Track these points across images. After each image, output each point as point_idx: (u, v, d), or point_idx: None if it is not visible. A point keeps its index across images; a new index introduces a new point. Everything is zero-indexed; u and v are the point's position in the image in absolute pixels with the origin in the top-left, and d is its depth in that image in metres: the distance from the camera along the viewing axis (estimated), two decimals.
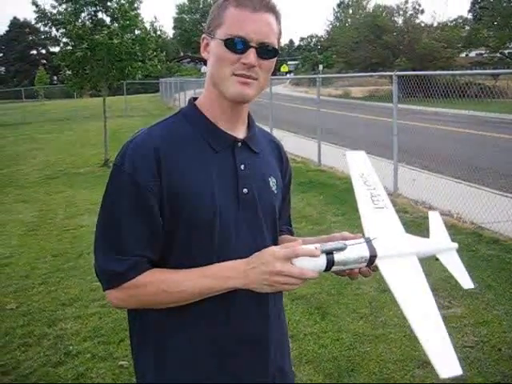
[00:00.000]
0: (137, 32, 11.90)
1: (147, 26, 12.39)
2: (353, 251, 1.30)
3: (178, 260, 1.33)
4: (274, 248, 1.28)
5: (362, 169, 1.56)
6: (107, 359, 3.77)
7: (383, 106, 12.61)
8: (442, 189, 7.65)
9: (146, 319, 1.38)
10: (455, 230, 6.11)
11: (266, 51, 1.33)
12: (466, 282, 1.59)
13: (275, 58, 1.37)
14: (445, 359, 1.19)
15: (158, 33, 12.62)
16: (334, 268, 1.30)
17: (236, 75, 1.32)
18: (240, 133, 1.43)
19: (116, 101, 29.26)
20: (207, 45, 1.38)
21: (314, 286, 4.70)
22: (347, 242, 1.30)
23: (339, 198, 8.09)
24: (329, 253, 1.27)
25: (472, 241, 5.89)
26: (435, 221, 1.67)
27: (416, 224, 6.09)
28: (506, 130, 13.36)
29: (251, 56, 1.30)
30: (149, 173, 1.29)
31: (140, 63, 11.89)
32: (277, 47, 1.36)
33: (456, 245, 1.60)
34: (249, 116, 1.47)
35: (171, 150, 1.32)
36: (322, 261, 1.26)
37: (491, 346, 3.77)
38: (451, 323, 4.06)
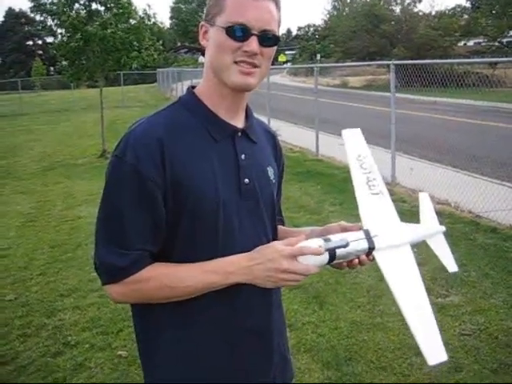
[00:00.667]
0: (131, 21, 11.82)
1: (141, 14, 12.30)
2: (354, 245, 1.33)
3: (181, 252, 1.32)
4: (279, 245, 1.28)
5: (358, 149, 1.57)
6: (106, 349, 3.78)
7: (381, 95, 12.60)
8: (440, 178, 7.65)
9: (150, 315, 1.37)
10: (453, 218, 6.12)
11: (267, 39, 1.31)
12: (451, 264, 1.64)
13: (276, 46, 1.36)
14: (432, 347, 1.27)
15: (153, 20, 12.52)
16: (335, 262, 1.32)
17: (237, 63, 1.30)
18: (239, 122, 1.41)
19: (113, 91, 29.14)
20: (206, 32, 1.36)
21: (312, 275, 4.70)
22: (348, 238, 1.32)
23: (337, 187, 8.09)
24: (332, 249, 1.29)
25: (469, 230, 5.90)
26: (425, 202, 1.70)
27: (413, 213, 6.04)
28: (503, 119, 13.34)
29: (253, 44, 1.29)
30: (152, 163, 1.26)
31: (136, 53, 11.82)
32: (277, 35, 1.35)
33: (443, 228, 1.65)
34: (247, 106, 1.46)
35: (173, 139, 1.31)
36: (324, 257, 1.28)
37: (488, 334, 3.79)
38: (449, 311, 4.09)
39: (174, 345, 1.36)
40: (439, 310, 4.04)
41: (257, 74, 1.33)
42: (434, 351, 1.27)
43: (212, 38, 1.34)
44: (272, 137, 1.58)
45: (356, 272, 4.68)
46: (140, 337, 1.44)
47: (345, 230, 1.39)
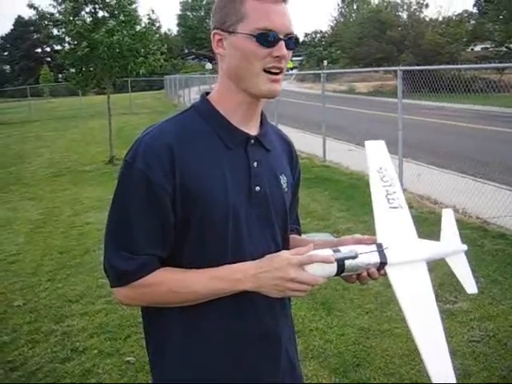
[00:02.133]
0: (137, 28, 11.88)
1: (145, 19, 12.36)
2: (363, 258, 1.31)
3: (190, 258, 1.33)
4: (287, 254, 1.28)
5: (379, 162, 1.55)
6: (114, 355, 3.79)
7: (388, 101, 12.59)
8: (448, 183, 7.63)
9: (160, 318, 1.38)
10: (461, 224, 6.06)
11: (291, 42, 1.33)
12: (471, 286, 1.60)
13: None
14: (440, 368, 1.25)
15: (157, 25, 12.57)
16: (344, 274, 1.32)
17: (267, 71, 1.31)
18: (253, 129, 1.41)
19: (121, 98, 29.27)
20: (220, 41, 1.34)
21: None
22: (359, 250, 1.31)
23: (344, 193, 8.08)
24: (340, 260, 1.28)
25: (478, 236, 5.88)
26: (448, 219, 1.66)
27: (422, 219, 6.08)
28: (508, 125, 13.30)
29: (283, 49, 1.30)
30: (162, 170, 1.27)
31: (142, 58, 11.87)
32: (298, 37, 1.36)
33: (465, 247, 1.60)
34: (262, 112, 1.45)
35: (184, 146, 1.31)
36: (333, 267, 1.27)
37: (497, 340, 3.76)
38: (457, 318, 4.07)
39: (181, 347, 1.37)
40: (448, 316, 4.02)
41: (281, 80, 1.34)
42: (442, 372, 1.24)
43: (234, 46, 1.32)
44: (288, 145, 1.56)
45: None
46: (149, 338, 1.44)
47: (359, 242, 1.38)
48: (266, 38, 1.28)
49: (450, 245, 1.57)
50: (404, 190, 7.90)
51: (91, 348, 3.91)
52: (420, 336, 1.27)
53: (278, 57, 1.30)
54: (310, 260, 1.24)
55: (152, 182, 1.27)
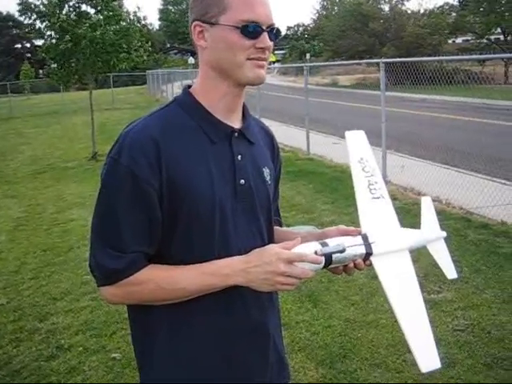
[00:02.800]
0: (121, 23, 11.80)
1: (130, 16, 12.29)
2: (350, 251, 1.32)
3: (178, 253, 1.32)
4: (276, 248, 1.27)
5: (360, 152, 1.55)
6: (99, 352, 3.77)
7: (371, 93, 12.63)
8: (431, 175, 7.68)
9: (147, 316, 1.36)
10: (444, 215, 6.14)
11: (274, 33, 1.33)
12: (450, 271, 1.63)
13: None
14: (426, 355, 1.28)
15: (142, 22, 12.51)
16: (331, 266, 1.33)
17: (250, 59, 1.31)
18: (236, 122, 1.40)
19: (103, 94, 29.06)
20: (201, 32, 1.33)
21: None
22: (346, 243, 1.32)
23: (328, 186, 8.11)
24: (328, 254, 1.29)
25: (461, 226, 5.93)
26: (427, 207, 1.68)
27: (405, 210, 6.12)
28: (493, 116, 13.41)
29: (267, 40, 1.30)
30: (148, 165, 1.25)
31: (125, 54, 11.79)
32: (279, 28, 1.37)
33: (444, 233, 1.63)
34: (244, 105, 1.44)
35: (169, 140, 1.30)
36: (321, 261, 1.28)
37: (481, 328, 3.81)
38: (442, 307, 4.10)
39: (170, 346, 1.36)
40: (432, 306, 4.05)
41: (266, 67, 1.34)
42: (428, 359, 1.27)
43: (217, 37, 1.31)
44: (269, 136, 1.56)
45: None
46: (136, 337, 1.43)
47: (343, 233, 1.39)
48: (250, 30, 1.28)
49: (431, 232, 1.60)
50: (388, 182, 7.97)
51: (76, 345, 3.89)
52: (406, 324, 1.29)
53: (261, 48, 1.30)
54: (299, 259, 1.24)
55: (138, 177, 1.25)
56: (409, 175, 7.94)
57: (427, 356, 1.27)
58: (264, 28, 1.30)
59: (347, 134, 1.60)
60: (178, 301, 1.31)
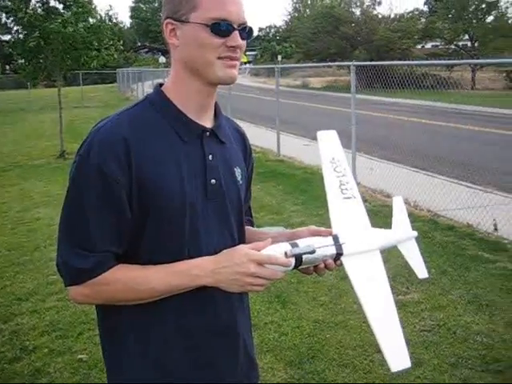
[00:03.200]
0: (91, 20, 11.64)
1: (102, 14, 12.15)
2: (320, 251, 1.32)
3: (147, 253, 1.30)
4: (246, 248, 1.27)
5: (332, 152, 1.54)
6: (65, 353, 3.71)
7: (342, 96, 12.71)
8: (400, 177, 7.78)
9: (116, 316, 1.34)
10: (412, 217, 6.20)
11: (245, 32, 1.31)
12: (421, 270, 1.63)
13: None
14: (397, 355, 1.27)
15: (114, 21, 12.39)
16: (302, 267, 1.32)
17: (221, 58, 1.29)
18: (208, 121, 1.39)
19: (72, 91, 28.65)
20: (172, 30, 1.32)
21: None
22: (316, 244, 1.31)
23: (298, 187, 8.14)
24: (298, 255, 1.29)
25: (428, 228, 6.02)
26: (398, 207, 1.69)
27: (374, 212, 6.17)
28: (461, 121, 13.65)
29: (238, 38, 1.28)
30: (117, 163, 1.23)
31: (96, 52, 11.64)
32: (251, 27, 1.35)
33: (415, 233, 1.63)
34: (216, 104, 1.43)
35: (139, 138, 1.28)
36: (291, 262, 1.27)
37: (447, 329, 3.86)
38: (409, 308, 4.15)
39: (138, 347, 1.34)
40: (400, 307, 4.10)
41: (237, 67, 1.33)
42: (398, 359, 1.27)
43: (188, 35, 1.30)
44: (242, 137, 1.55)
45: None
46: (104, 338, 1.41)
47: (314, 234, 1.39)
48: (220, 28, 1.27)
49: (402, 232, 1.61)
50: (357, 184, 7.98)
51: (42, 347, 3.81)
52: (377, 324, 1.29)
53: (232, 47, 1.29)
54: (270, 261, 1.23)
55: (107, 175, 1.23)
56: (378, 177, 8.02)
57: (397, 355, 1.27)
58: (235, 26, 1.28)
59: (319, 133, 1.60)
60: (147, 301, 1.29)
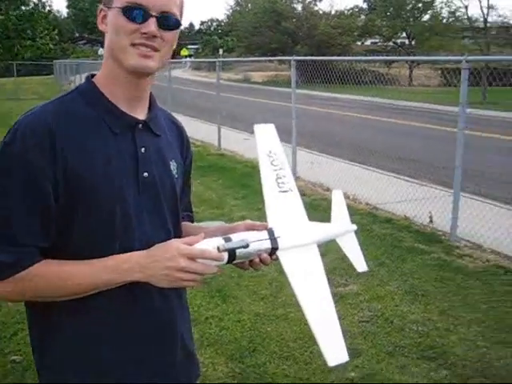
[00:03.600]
0: (23, 8, 11.26)
1: (35, 1, 11.78)
2: (255, 246, 1.30)
3: (77, 247, 1.25)
4: (177, 242, 1.23)
5: (269, 145, 1.52)
6: None
7: (283, 90, 12.81)
8: (339, 171, 7.90)
9: (46, 314, 1.29)
10: (351, 210, 6.22)
11: (167, 21, 1.26)
12: (360, 264, 1.64)
13: (178, 30, 1.30)
14: (334, 348, 1.27)
15: (48, 9, 12.04)
16: (236, 261, 1.30)
17: (135, 45, 1.24)
18: (141, 113, 1.35)
19: (5, 83, 27.67)
20: (104, 17, 1.29)
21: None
22: (250, 238, 1.30)
23: (239, 181, 8.14)
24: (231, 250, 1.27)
25: (367, 221, 6.15)
26: (338, 200, 1.69)
27: (314, 206, 6.25)
28: (399, 116, 14.02)
29: (151, 25, 1.23)
30: (40, 152, 1.18)
31: (30, 41, 11.27)
32: (178, 18, 1.29)
33: (355, 227, 1.64)
34: (151, 96, 1.39)
35: (67, 129, 1.23)
36: (224, 257, 1.26)
37: (384, 319, 3.96)
38: (348, 300, 4.22)
39: (70, 347, 1.29)
40: (339, 299, 4.16)
41: (156, 58, 1.27)
42: (335, 352, 1.26)
43: (109, 21, 1.27)
44: (179, 130, 1.51)
45: None
46: (34, 338, 1.36)
47: (250, 228, 1.37)
48: (132, 13, 1.23)
49: (341, 225, 1.61)
50: (297, 178, 8.10)
51: None
52: (314, 318, 1.27)
53: (145, 34, 1.24)
54: (201, 255, 1.21)
55: (31, 164, 1.18)
56: (318, 171, 8.13)
57: (334, 349, 1.26)
58: (152, 13, 1.24)
59: (256, 127, 1.57)
60: (74, 297, 1.24)
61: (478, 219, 5.78)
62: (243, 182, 7.98)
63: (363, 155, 8.88)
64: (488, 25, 31.74)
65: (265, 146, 1.52)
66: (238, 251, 1.27)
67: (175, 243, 1.23)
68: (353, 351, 3.46)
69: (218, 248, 1.24)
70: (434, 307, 4.14)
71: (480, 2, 35.15)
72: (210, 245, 1.24)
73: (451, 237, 5.60)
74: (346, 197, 6.93)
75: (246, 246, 1.28)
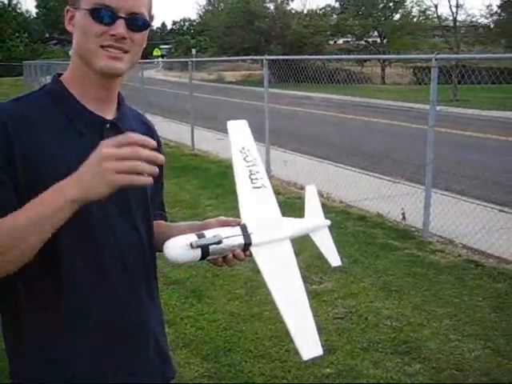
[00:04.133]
0: None
1: (5, 1, 11.59)
2: (228, 242, 1.30)
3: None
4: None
5: (242, 141, 1.52)
6: None
7: (256, 90, 12.83)
8: (313, 169, 7.94)
9: (17, 317, 1.27)
10: (325, 208, 6.25)
11: (136, 22, 1.24)
12: (334, 259, 1.65)
13: (147, 31, 1.29)
14: (308, 342, 1.27)
15: (18, 11, 11.85)
16: (209, 258, 1.30)
17: (104, 47, 1.23)
18: (109, 113, 1.33)
19: None
20: (72, 18, 1.27)
21: (189, 269, 4.69)
22: (223, 234, 1.29)
23: (213, 181, 8.13)
24: (205, 246, 1.27)
25: (341, 218, 6.19)
26: (311, 195, 1.70)
27: (288, 204, 6.27)
28: (372, 114, 14.15)
29: (120, 27, 1.21)
30: None
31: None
32: (147, 19, 1.28)
33: (328, 222, 1.65)
34: (119, 95, 1.37)
35: (28, 127, 1.20)
36: (197, 253, 1.25)
37: (359, 315, 3.99)
38: (323, 297, 4.25)
39: (39, 347, 1.27)
40: (314, 296, 4.18)
41: (126, 59, 1.26)
42: (310, 346, 1.27)
43: (77, 22, 1.25)
44: (150, 130, 1.49)
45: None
46: (5, 340, 1.33)
47: (223, 224, 1.36)
48: (100, 14, 1.21)
49: (314, 220, 1.62)
50: (271, 177, 8.11)
51: None
52: (288, 313, 1.28)
53: (114, 35, 1.22)
54: (126, 140, 1.09)
55: None
56: (292, 170, 8.15)
57: (309, 344, 1.27)
58: (121, 15, 1.22)
59: (229, 123, 1.57)
60: (26, 250, 1.13)
61: (449, 215, 5.87)
62: (217, 181, 7.97)
63: (337, 153, 8.95)
64: (457, 24, 32.19)
65: (238, 142, 1.52)
66: (211, 247, 1.27)
67: (100, 146, 1.12)
68: (328, 348, 3.49)
69: (191, 244, 1.24)
70: (408, 302, 4.19)
71: (449, 2, 35.51)
72: (183, 241, 1.24)
73: (424, 233, 5.68)
74: (320, 195, 6.96)
75: (219, 242, 1.28)
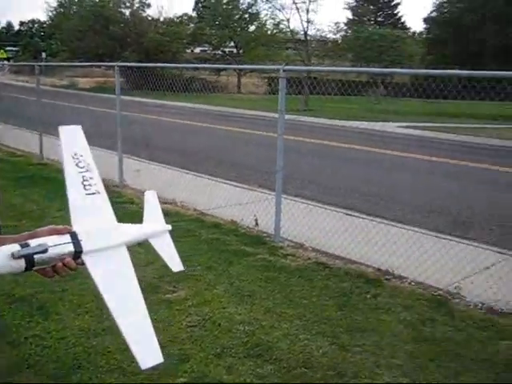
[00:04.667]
0: None
1: None
2: (55, 250, 1.26)
3: None
4: None
5: (75, 147, 1.48)
6: None
7: (110, 97, 12.52)
8: (168, 178, 7.92)
9: None
10: (179, 216, 6.36)
11: None
12: (176, 264, 1.65)
13: None
14: (146, 351, 1.25)
15: None
16: (35, 268, 1.25)
17: None
18: None
19: None
20: None
21: (36, 284, 4.42)
22: (50, 243, 1.25)
23: (63, 191, 7.75)
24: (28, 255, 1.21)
25: (195, 226, 6.20)
26: (151, 201, 1.69)
27: (141, 214, 6.14)
28: (228, 122, 14.43)
29: None
30: None
31: None
32: None
33: (169, 227, 1.65)
34: None
35: None
36: (20, 264, 1.20)
37: (212, 322, 4.02)
38: (176, 306, 4.22)
39: None
40: (167, 305, 4.14)
41: None
42: (149, 355, 1.25)
43: None
44: None
45: (84, 277, 4.51)
46: None
47: (54, 232, 1.32)
48: None
49: (154, 226, 1.61)
50: (125, 186, 7.95)
51: None
52: (123, 322, 1.25)
53: None
54: None
55: None
56: (147, 179, 8.05)
57: (147, 352, 1.25)
58: None
59: (60, 128, 1.53)
60: None
61: (299, 220, 6.14)
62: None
63: (193, 162, 8.99)
64: (308, 38, 33.91)
65: (70, 147, 1.49)
66: (36, 257, 1.22)
67: None
68: (181, 357, 3.47)
69: (13, 254, 1.18)
70: (260, 306, 4.30)
71: (300, 17, 37.41)
72: (5, 252, 1.17)
73: (275, 238, 5.88)
74: (174, 203, 6.96)
75: (45, 251, 1.23)
